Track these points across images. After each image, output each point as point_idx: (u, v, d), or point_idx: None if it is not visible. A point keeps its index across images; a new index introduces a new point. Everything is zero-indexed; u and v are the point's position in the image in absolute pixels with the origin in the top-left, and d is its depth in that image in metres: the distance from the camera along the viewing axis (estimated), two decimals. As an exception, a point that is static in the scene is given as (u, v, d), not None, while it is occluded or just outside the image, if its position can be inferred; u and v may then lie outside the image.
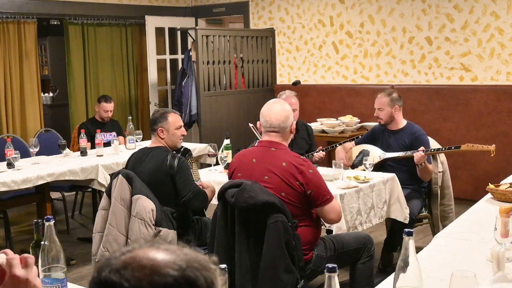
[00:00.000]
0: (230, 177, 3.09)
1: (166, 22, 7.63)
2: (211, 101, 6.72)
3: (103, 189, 4.24)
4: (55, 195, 5.39)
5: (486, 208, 2.97)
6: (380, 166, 4.11)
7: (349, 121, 6.12)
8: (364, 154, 4.20)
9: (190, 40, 7.14)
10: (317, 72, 7.05)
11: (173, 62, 7.88)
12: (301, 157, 2.97)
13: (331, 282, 1.44)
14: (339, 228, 3.32)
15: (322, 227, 3.13)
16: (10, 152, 4.39)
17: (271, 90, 7.30)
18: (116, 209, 3.35)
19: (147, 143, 3.78)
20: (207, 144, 5.06)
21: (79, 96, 7.22)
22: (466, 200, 5.17)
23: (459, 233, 2.55)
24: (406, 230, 1.68)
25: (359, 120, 6.18)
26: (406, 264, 1.68)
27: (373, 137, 4.34)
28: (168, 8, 7.81)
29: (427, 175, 4.10)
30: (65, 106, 7.59)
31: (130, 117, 5.63)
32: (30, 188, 4.37)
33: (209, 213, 3.47)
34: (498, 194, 3.10)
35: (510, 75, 5.74)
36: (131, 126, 5.37)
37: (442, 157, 4.26)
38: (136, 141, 5.27)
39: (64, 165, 4.50)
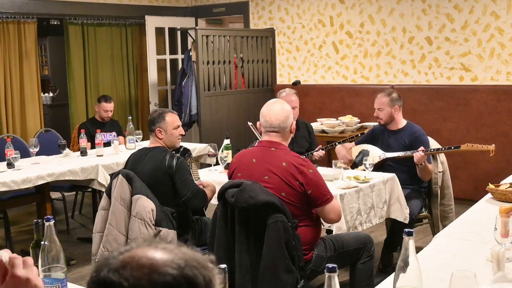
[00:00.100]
0: (230, 177, 3.09)
1: (166, 22, 7.63)
2: (211, 101, 6.72)
3: (103, 189, 4.24)
4: (55, 195, 5.39)
5: (486, 208, 2.97)
6: (380, 166, 4.11)
7: (349, 121, 6.12)
8: (364, 154, 4.20)
9: (190, 40, 7.14)
10: (317, 72, 7.05)
11: (173, 62, 7.88)
12: (301, 157, 2.97)
13: (331, 282, 1.44)
14: (339, 228, 3.32)
15: (322, 227, 3.13)
16: (10, 152, 4.39)
17: (271, 90, 7.29)
18: (116, 209, 3.35)
19: (147, 143, 3.78)
20: (207, 144, 5.06)
21: (79, 96, 7.22)
22: (466, 200, 5.17)
23: (459, 233, 2.55)
24: (406, 230, 1.68)
25: (359, 120, 6.18)
26: (406, 264, 1.68)
27: (373, 137, 4.34)
28: (168, 8, 7.81)
29: (427, 175, 4.10)
30: (65, 106, 7.59)
31: (130, 117, 5.63)
32: (30, 188, 4.37)
33: (209, 213, 3.47)
34: (498, 194, 3.10)
35: (510, 75, 5.74)
36: (131, 126, 5.37)
37: (442, 157, 4.26)
38: (136, 141, 5.27)
39: (64, 165, 4.50)
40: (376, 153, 4.17)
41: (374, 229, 4.63)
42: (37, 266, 1.58)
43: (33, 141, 4.65)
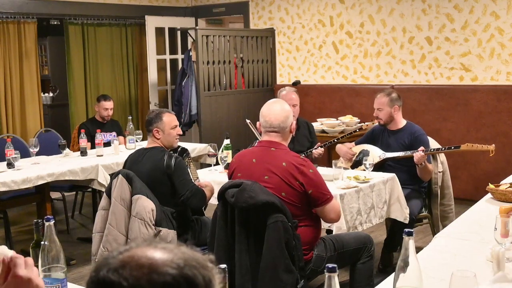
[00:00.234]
0: (230, 177, 3.09)
1: (166, 22, 7.63)
2: (211, 101, 6.72)
3: (103, 189, 4.24)
4: (55, 195, 5.39)
5: (486, 208, 2.96)
6: (380, 166, 4.11)
7: (349, 121, 6.12)
8: (364, 154, 4.19)
9: (190, 40, 7.14)
10: (317, 72, 7.06)
11: (173, 62, 7.88)
12: (301, 157, 2.97)
13: (331, 282, 1.44)
14: (339, 228, 3.32)
15: (322, 227, 3.13)
16: (10, 152, 4.39)
17: (271, 90, 7.30)
18: (116, 209, 3.35)
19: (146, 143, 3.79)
20: (207, 144, 5.06)
21: (79, 96, 7.22)
22: (466, 200, 5.17)
23: (459, 233, 2.55)
24: (406, 230, 1.68)
25: (359, 120, 6.18)
26: (406, 264, 1.68)
27: (373, 137, 4.34)
28: (168, 8, 7.81)
29: (427, 175, 4.10)
30: (65, 106, 7.60)
31: (130, 117, 5.63)
32: (30, 188, 4.37)
33: (209, 212, 3.47)
34: (498, 194, 3.10)
35: (510, 75, 5.74)
36: (131, 126, 5.37)
37: (442, 157, 4.26)
38: (136, 141, 5.27)
39: (64, 165, 4.50)
40: (376, 153, 4.17)
41: (374, 229, 4.63)
42: (37, 266, 1.58)
43: (33, 141, 4.65)
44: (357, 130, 4.70)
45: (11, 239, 4.75)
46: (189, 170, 3.61)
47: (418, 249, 2.03)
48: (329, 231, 3.49)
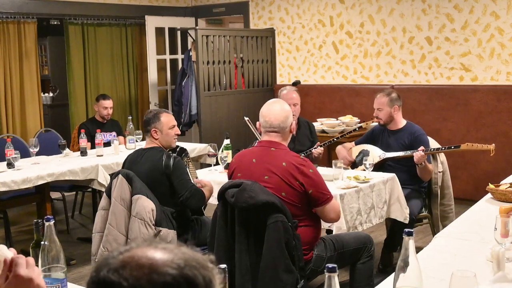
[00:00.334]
0: (230, 177, 3.09)
1: (166, 22, 7.63)
2: (211, 101, 6.72)
3: (103, 189, 4.24)
4: (55, 195, 5.39)
5: (486, 208, 2.96)
6: (380, 166, 4.11)
7: (349, 121, 6.12)
8: (364, 154, 4.20)
9: (190, 40, 7.15)
10: (317, 72, 7.06)
11: (173, 62, 7.88)
12: (301, 156, 2.97)
13: (331, 282, 1.44)
14: (339, 228, 3.32)
15: (322, 227, 3.13)
16: (10, 152, 4.39)
17: (271, 90, 7.30)
18: (116, 209, 3.35)
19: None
20: (207, 144, 5.06)
21: (79, 96, 7.22)
22: (466, 200, 5.17)
23: (459, 233, 2.55)
24: (406, 230, 1.68)
25: (359, 120, 6.17)
26: (406, 264, 1.68)
27: (372, 137, 4.34)
28: (168, 8, 7.81)
29: (427, 175, 4.10)
30: (65, 106, 7.60)
31: (130, 117, 5.63)
32: (30, 188, 4.37)
33: (209, 212, 3.46)
34: (498, 194, 3.10)
35: (510, 75, 5.74)
36: (131, 126, 5.37)
37: (442, 157, 4.26)
38: (136, 141, 5.27)
39: (64, 165, 4.50)
40: (376, 153, 4.17)
41: (374, 229, 4.63)
42: (37, 266, 1.57)
43: (33, 141, 4.65)
44: (357, 129, 4.70)
45: (11, 239, 4.75)
46: (188, 170, 3.61)
47: (418, 249, 2.03)
48: (329, 231, 3.49)
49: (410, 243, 1.67)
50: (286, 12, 7.22)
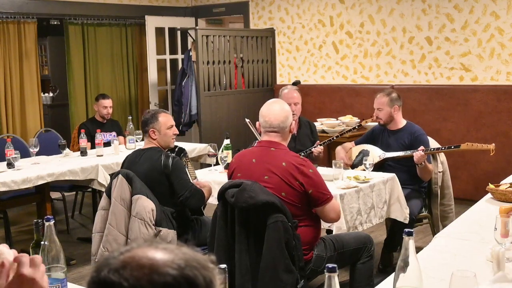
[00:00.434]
0: (230, 177, 3.08)
1: (166, 22, 7.63)
2: (211, 101, 6.72)
3: (103, 189, 4.24)
4: (55, 195, 5.39)
5: (486, 208, 2.96)
6: (380, 166, 4.11)
7: (349, 121, 6.13)
8: (364, 154, 4.20)
9: (190, 40, 7.15)
10: (317, 72, 7.06)
11: (173, 62, 7.88)
12: (301, 156, 2.98)
13: (331, 282, 1.44)
14: (339, 228, 3.32)
15: (322, 227, 3.13)
16: (10, 152, 4.39)
17: (271, 90, 7.30)
18: (116, 209, 3.35)
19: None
20: (207, 144, 5.06)
21: (79, 96, 7.22)
22: (466, 200, 5.17)
23: (459, 233, 2.55)
24: (406, 230, 1.68)
25: (359, 120, 6.17)
26: (406, 264, 1.68)
27: (372, 137, 4.34)
28: (168, 8, 7.81)
29: (427, 175, 4.10)
30: (65, 106, 7.60)
31: (130, 117, 5.63)
32: (30, 188, 4.37)
33: (209, 212, 3.47)
34: (498, 194, 3.10)
35: (510, 75, 5.74)
36: (131, 126, 5.37)
37: (442, 157, 4.26)
38: (136, 141, 5.26)
39: (64, 165, 4.50)
40: (376, 153, 4.17)
41: (374, 229, 4.63)
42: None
43: (33, 141, 4.65)
44: (356, 127, 4.70)
45: (11, 239, 4.75)
46: (187, 170, 3.61)
47: (418, 249, 2.03)
48: (329, 231, 3.49)
49: (410, 243, 1.67)
50: (286, 12, 7.22)
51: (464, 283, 1.57)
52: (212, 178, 3.94)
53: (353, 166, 4.27)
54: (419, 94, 6.22)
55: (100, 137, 5.02)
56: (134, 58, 7.76)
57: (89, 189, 5.24)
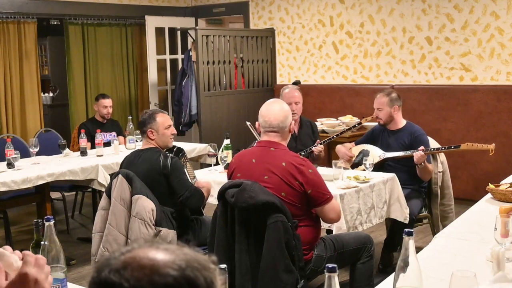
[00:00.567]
0: (229, 177, 3.08)
1: (166, 22, 7.63)
2: (211, 101, 6.72)
3: (103, 189, 4.24)
4: (55, 195, 5.39)
5: (486, 208, 2.97)
6: (380, 166, 4.11)
7: (349, 121, 6.12)
8: (364, 154, 4.20)
9: (190, 40, 7.15)
10: (317, 72, 7.06)
11: (173, 62, 7.88)
12: (300, 156, 2.98)
13: (331, 282, 1.44)
14: (339, 228, 3.32)
15: (322, 227, 3.13)
16: (10, 152, 4.39)
17: (271, 90, 7.30)
18: (116, 209, 3.35)
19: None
20: (207, 144, 5.06)
21: (79, 96, 7.22)
22: (466, 200, 5.17)
23: (459, 233, 2.55)
24: (406, 230, 1.68)
25: (359, 120, 6.17)
26: (406, 264, 1.68)
27: (372, 137, 4.34)
28: (168, 8, 7.81)
29: (427, 175, 4.10)
30: (65, 106, 7.60)
31: (130, 117, 5.62)
32: (30, 188, 4.37)
33: (209, 212, 3.47)
34: (498, 194, 3.10)
35: (510, 75, 5.74)
36: (131, 126, 5.37)
37: (442, 157, 4.26)
38: (136, 141, 5.26)
39: (64, 165, 4.50)
40: (376, 153, 4.17)
41: (374, 229, 4.63)
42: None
43: (33, 141, 4.65)
44: (356, 125, 4.70)
45: (11, 239, 4.76)
46: (185, 170, 3.61)
47: (418, 249, 2.04)
48: (329, 231, 3.49)
49: (410, 243, 1.67)
50: (286, 12, 7.22)
51: (464, 283, 1.57)
52: (212, 178, 3.94)
53: (353, 166, 4.27)
54: (419, 94, 6.22)
55: (100, 137, 5.02)
56: (134, 58, 7.76)
57: (89, 189, 5.24)
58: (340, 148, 4.38)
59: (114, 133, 5.66)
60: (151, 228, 3.28)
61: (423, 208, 4.17)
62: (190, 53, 6.96)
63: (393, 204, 3.79)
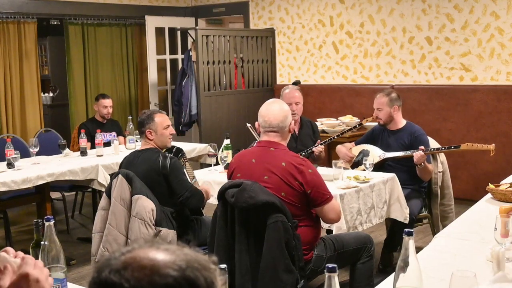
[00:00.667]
0: (229, 177, 3.08)
1: (166, 22, 7.63)
2: (211, 101, 6.72)
3: (103, 189, 4.24)
4: (55, 195, 5.39)
5: (486, 208, 2.97)
6: (380, 166, 4.11)
7: (349, 121, 6.13)
8: (364, 154, 4.20)
9: (190, 40, 7.15)
10: (317, 72, 7.06)
11: (173, 62, 7.88)
12: (300, 156, 2.98)
13: (331, 282, 1.44)
14: (339, 228, 3.32)
15: (322, 227, 3.13)
16: (10, 152, 4.39)
17: (271, 90, 7.30)
18: (116, 209, 3.35)
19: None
20: (207, 144, 5.06)
21: (79, 96, 7.22)
22: (466, 200, 5.17)
23: (459, 233, 2.55)
24: (406, 230, 1.68)
25: (359, 120, 6.17)
26: (406, 264, 1.68)
27: (372, 137, 4.34)
28: (168, 8, 7.81)
29: (427, 175, 4.10)
30: (65, 106, 7.60)
31: (130, 117, 5.62)
32: (30, 188, 4.37)
33: (209, 212, 3.47)
34: (498, 194, 3.10)
35: (510, 75, 5.74)
36: (131, 126, 5.37)
37: (442, 157, 4.26)
38: (136, 141, 5.26)
39: (64, 165, 4.50)
40: (376, 153, 4.17)
41: (374, 229, 4.63)
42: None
43: (33, 141, 4.65)
44: (357, 126, 4.70)
45: (11, 239, 4.76)
46: (185, 170, 3.60)
47: (418, 249, 2.04)
48: (329, 231, 3.49)
49: (410, 243, 1.67)
50: (286, 12, 7.22)
51: (464, 283, 1.57)
52: (212, 178, 3.94)
53: (353, 166, 4.27)
54: (419, 94, 6.22)
55: (100, 137, 5.02)
56: (134, 58, 7.76)
57: (89, 189, 5.24)
58: (340, 149, 4.38)
59: (114, 133, 5.66)
60: (151, 228, 3.28)
61: (423, 208, 4.17)
62: (190, 53, 6.96)
63: (393, 204, 3.79)
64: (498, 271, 1.94)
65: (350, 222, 3.44)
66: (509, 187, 3.14)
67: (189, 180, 3.56)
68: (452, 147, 3.98)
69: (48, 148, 5.13)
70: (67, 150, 4.96)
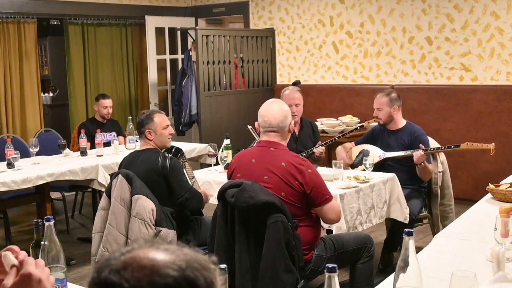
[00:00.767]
0: (229, 177, 3.08)
1: (166, 22, 7.63)
2: (211, 101, 6.72)
3: (103, 189, 4.23)
4: (55, 195, 5.39)
5: (486, 208, 2.97)
6: (380, 166, 4.11)
7: (349, 121, 6.12)
8: (364, 154, 4.20)
9: (190, 40, 7.15)
10: (317, 72, 7.06)
11: (173, 62, 7.88)
12: (300, 156, 2.98)
13: (331, 282, 1.44)
14: (339, 228, 3.32)
15: (322, 227, 3.13)
16: (10, 152, 4.39)
17: (271, 90, 7.30)
18: (116, 209, 3.35)
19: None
20: (207, 144, 5.06)
21: (79, 96, 7.22)
22: (466, 200, 5.17)
23: (459, 233, 2.55)
24: (406, 230, 1.68)
25: (359, 120, 6.17)
26: (406, 264, 1.68)
27: (372, 137, 4.34)
28: (168, 8, 7.81)
29: (427, 175, 4.10)
30: (65, 106, 7.60)
31: (130, 117, 5.62)
32: (30, 188, 4.37)
33: (209, 212, 3.47)
34: (498, 194, 3.10)
35: (510, 75, 5.74)
36: (131, 126, 5.37)
37: (442, 157, 4.26)
38: (136, 141, 5.26)
39: (64, 165, 4.50)
40: (376, 153, 4.17)
41: (374, 229, 4.63)
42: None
43: (33, 141, 4.65)
44: (358, 128, 4.70)
45: (11, 239, 4.76)
46: (184, 171, 3.60)
47: (418, 249, 2.04)
48: (329, 231, 3.49)
49: (410, 243, 1.67)
50: (286, 12, 7.22)
51: (464, 283, 1.57)
52: (212, 178, 3.94)
53: (353, 166, 4.27)
54: (419, 94, 6.22)
55: (100, 137, 5.02)
56: (134, 58, 7.76)
57: (89, 189, 5.24)
58: (339, 153, 4.39)
59: (114, 133, 5.66)
60: (151, 228, 3.28)
61: (423, 208, 4.17)
62: (190, 53, 6.96)
63: (393, 204, 3.79)
64: (498, 271, 1.94)
65: (350, 222, 3.44)
66: (509, 187, 3.14)
67: (189, 180, 3.56)
68: (452, 147, 3.98)
69: (48, 148, 5.13)
70: (67, 150, 4.96)
